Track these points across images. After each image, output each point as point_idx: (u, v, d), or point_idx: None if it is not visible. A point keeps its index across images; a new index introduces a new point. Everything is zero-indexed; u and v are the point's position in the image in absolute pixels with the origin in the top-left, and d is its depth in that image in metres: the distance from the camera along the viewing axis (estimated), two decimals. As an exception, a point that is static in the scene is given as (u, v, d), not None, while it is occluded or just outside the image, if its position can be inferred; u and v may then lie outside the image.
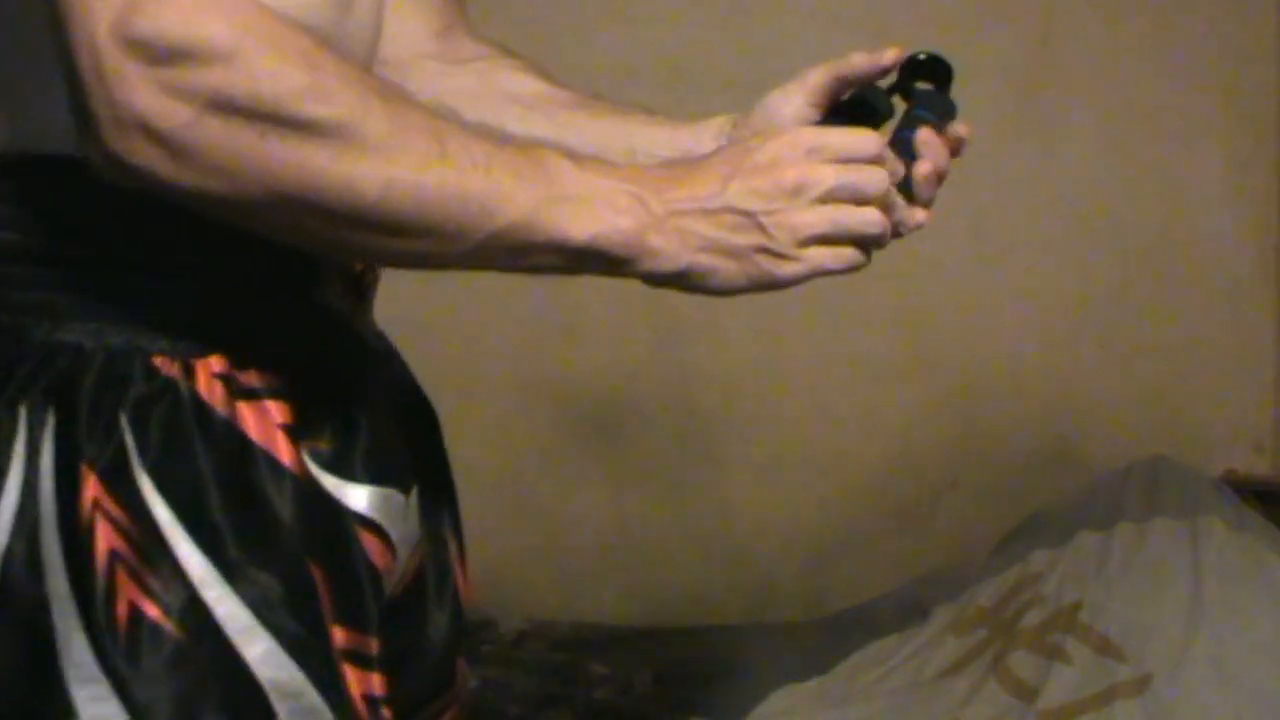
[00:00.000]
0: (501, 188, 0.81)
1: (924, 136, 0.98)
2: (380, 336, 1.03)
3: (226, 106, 0.74)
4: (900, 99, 1.03)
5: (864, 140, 0.90)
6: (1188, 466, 2.83)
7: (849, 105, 1.03)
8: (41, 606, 0.80)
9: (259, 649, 0.82)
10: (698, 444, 3.20)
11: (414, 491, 0.98)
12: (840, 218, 0.88)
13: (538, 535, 3.18)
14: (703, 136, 1.06)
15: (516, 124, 1.07)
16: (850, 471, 3.21)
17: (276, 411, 0.86)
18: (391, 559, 0.93)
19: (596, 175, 0.85)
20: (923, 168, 0.96)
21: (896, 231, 0.93)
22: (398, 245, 0.81)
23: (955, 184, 1.04)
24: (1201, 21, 3.21)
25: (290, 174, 0.76)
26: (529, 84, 1.11)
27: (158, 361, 0.84)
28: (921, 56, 1.03)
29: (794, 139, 0.89)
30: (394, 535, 0.93)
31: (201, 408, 0.84)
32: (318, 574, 0.86)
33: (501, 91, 1.10)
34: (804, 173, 0.87)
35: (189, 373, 0.84)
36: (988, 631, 2.55)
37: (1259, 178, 3.25)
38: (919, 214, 0.96)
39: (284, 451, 0.86)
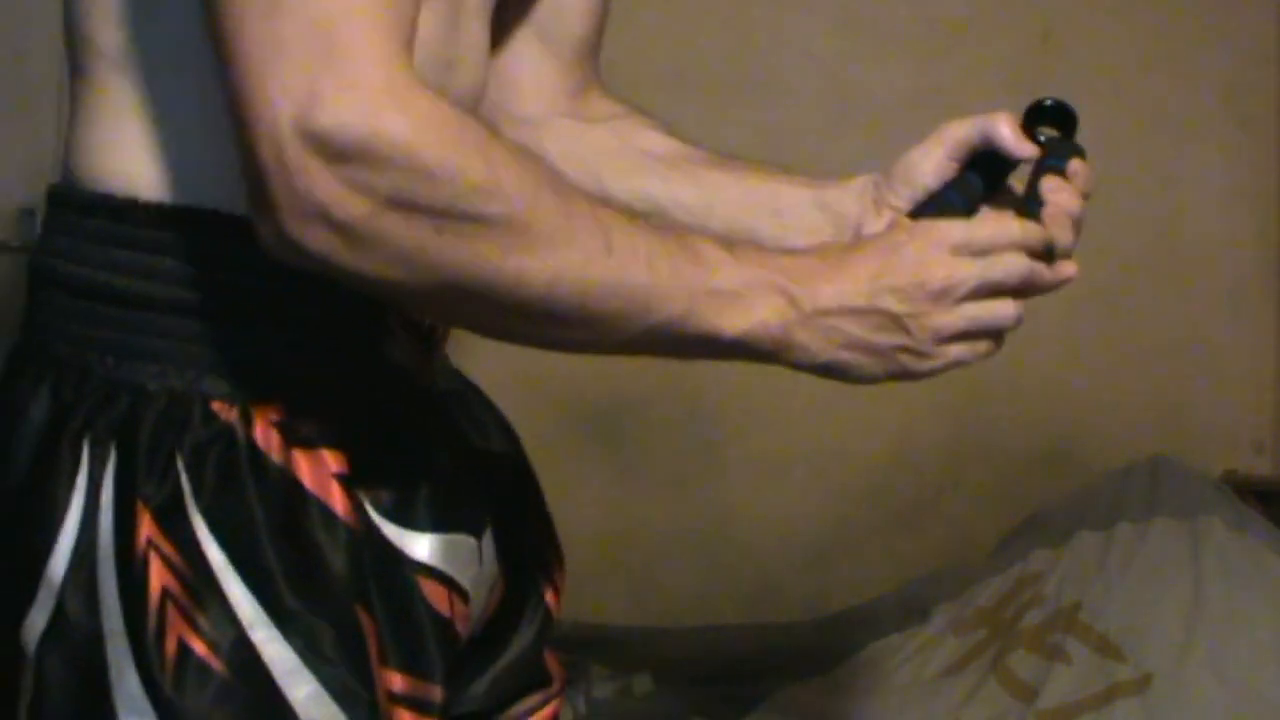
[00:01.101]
0: (661, 283, 0.83)
1: (1055, 184, 1.00)
2: (455, 375, 1.06)
3: (405, 204, 0.74)
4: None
5: (1007, 230, 0.93)
6: (1188, 466, 2.83)
7: (983, 158, 1.05)
8: (97, 639, 0.82)
9: (304, 691, 0.83)
10: (698, 444, 3.20)
11: (487, 534, 0.99)
12: (980, 315, 0.92)
13: (538, 535, 3.18)
14: (845, 198, 1.08)
15: (659, 184, 1.10)
16: (850, 471, 3.21)
17: (332, 461, 0.87)
18: (462, 604, 0.95)
19: (750, 266, 0.87)
20: (1057, 218, 0.98)
21: (1044, 290, 0.97)
22: (558, 334, 0.83)
23: (953, 184, 1.05)
24: (1201, 21, 3.20)
25: (463, 266, 0.77)
26: (665, 143, 1.13)
27: (216, 406, 0.85)
28: (1048, 103, 1.06)
29: (941, 236, 0.91)
30: (463, 581, 0.95)
31: (257, 454, 0.85)
32: (367, 622, 0.87)
33: (640, 150, 1.12)
34: (949, 275, 0.90)
35: (247, 419, 0.86)
36: (988, 631, 2.54)
37: (1259, 178, 3.25)
38: (1064, 269, 0.99)
39: (338, 501, 0.87)
